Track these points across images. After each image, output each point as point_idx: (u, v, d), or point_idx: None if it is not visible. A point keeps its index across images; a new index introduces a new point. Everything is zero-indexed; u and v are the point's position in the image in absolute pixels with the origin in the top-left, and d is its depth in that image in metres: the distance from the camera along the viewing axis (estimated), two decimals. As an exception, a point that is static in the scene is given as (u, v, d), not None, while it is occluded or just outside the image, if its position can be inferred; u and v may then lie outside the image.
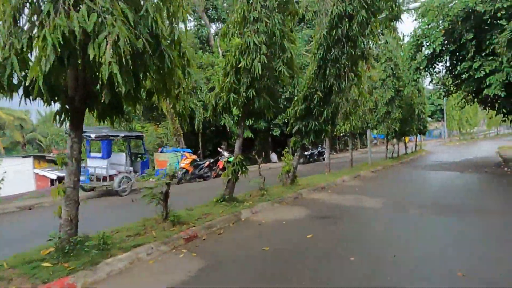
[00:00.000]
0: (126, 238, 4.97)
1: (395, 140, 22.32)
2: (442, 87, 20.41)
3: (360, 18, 7.92)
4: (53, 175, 23.30)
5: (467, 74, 15.34)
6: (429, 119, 44.45)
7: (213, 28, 27.47)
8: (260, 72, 6.40)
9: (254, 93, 6.71)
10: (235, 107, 7.29)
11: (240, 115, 7.70)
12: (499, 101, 16.48)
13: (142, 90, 4.51)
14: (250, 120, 8.11)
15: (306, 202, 8.69)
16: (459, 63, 15.62)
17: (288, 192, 9.38)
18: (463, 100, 20.22)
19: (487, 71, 13.94)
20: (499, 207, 7.66)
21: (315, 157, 24.53)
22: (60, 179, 21.21)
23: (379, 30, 8.66)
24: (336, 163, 20.69)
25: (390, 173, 15.42)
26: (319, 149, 25.38)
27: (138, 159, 13.67)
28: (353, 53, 8.33)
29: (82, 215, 4.59)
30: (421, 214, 7.15)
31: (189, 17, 31.26)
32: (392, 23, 8.49)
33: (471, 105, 21.71)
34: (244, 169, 7.54)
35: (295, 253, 4.81)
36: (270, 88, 7.22)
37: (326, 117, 8.83)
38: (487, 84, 13.99)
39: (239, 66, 6.62)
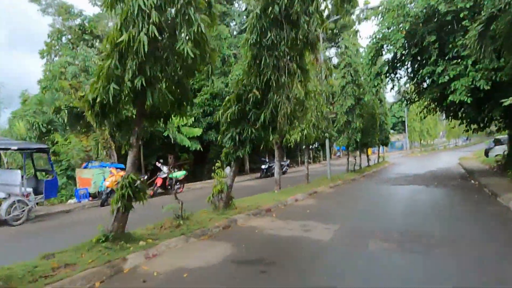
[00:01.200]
0: None
1: (358, 151, 20.93)
2: (404, 96, 19.33)
3: (302, -9, 6.09)
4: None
5: (430, 80, 14.10)
6: (392, 131, 44.29)
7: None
8: (145, 50, 4.28)
9: (143, 82, 4.55)
10: (125, 104, 5.08)
11: (133, 117, 5.48)
12: (463, 108, 15.39)
13: None
14: (150, 123, 5.86)
15: (237, 234, 6.54)
16: (421, 68, 14.34)
17: (218, 219, 7.20)
18: (425, 109, 19.21)
19: (451, 76, 12.74)
20: (477, 236, 5.93)
21: (273, 171, 22.49)
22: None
23: (327, 9, 6.79)
24: (295, 177, 18.92)
25: (350, 189, 13.68)
26: (278, 162, 23.45)
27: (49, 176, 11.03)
28: (295, 38, 6.45)
29: None
30: (384, 250, 5.20)
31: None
32: (344, 4, 6.72)
33: (433, 114, 20.78)
34: (139, 194, 5.27)
35: None
36: (172, 77, 5.08)
37: (264, 122, 6.83)
38: (452, 90, 12.75)
39: (118, 41, 4.47)
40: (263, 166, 21.84)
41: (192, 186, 17.62)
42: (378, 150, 27.97)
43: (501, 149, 22.19)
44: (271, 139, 7.69)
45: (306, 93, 7.23)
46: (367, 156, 24.09)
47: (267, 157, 26.31)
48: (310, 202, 10.36)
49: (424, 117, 20.68)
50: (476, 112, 14.44)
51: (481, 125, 16.62)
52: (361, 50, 18.84)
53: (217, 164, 7.89)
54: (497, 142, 24.24)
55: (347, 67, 18.12)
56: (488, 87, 12.00)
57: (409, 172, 19.80)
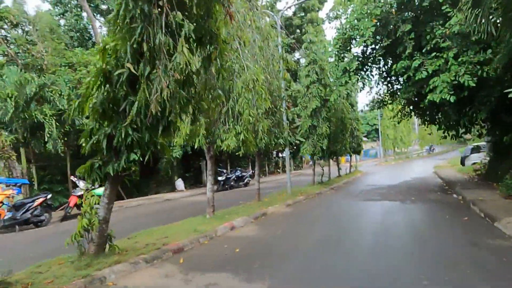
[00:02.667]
0: None
1: (330, 160, 18.53)
2: (376, 99, 17.18)
3: None
4: None
5: (405, 77, 11.83)
6: (365, 139, 42.52)
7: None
8: None
9: None
10: None
11: None
12: (442, 111, 13.24)
13: None
14: None
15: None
16: (395, 64, 12.05)
17: (72, 276, 4.32)
18: (399, 113, 17.12)
19: (430, 72, 10.53)
20: None
21: (231, 183, 19.76)
22: None
23: None
24: (253, 190, 16.17)
25: (311, 207, 11.06)
26: (238, 172, 20.73)
27: None
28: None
29: None
30: None
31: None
32: None
33: (408, 119, 18.73)
34: None
35: None
36: None
37: (138, 114, 4.10)
38: (431, 88, 10.52)
39: None
40: (219, 178, 19.04)
41: (126, 204, 14.52)
42: (350, 159, 25.77)
43: (477, 157, 20.47)
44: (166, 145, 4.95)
45: (219, 71, 4.55)
46: (338, 165, 21.76)
47: (229, 167, 23.63)
48: (249, 231, 7.63)
49: (399, 122, 18.70)
50: (457, 114, 12.26)
51: (461, 130, 14.51)
52: (329, 48, 16.59)
53: (85, 184, 5.07)
54: (475, 149, 22.50)
55: (312, 64, 15.73)
56: (474, 84, 9.84)
57: (383, 183, 17.58)
